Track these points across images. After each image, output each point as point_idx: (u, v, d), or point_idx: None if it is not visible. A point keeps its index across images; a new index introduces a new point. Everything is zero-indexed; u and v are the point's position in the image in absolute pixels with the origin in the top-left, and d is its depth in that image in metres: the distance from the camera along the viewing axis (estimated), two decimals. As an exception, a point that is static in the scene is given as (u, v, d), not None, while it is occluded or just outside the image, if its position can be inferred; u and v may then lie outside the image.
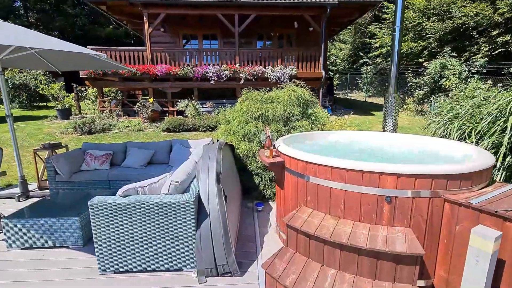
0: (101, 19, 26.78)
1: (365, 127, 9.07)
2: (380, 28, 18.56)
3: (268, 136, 2.72)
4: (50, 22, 25.09)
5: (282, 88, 4.68)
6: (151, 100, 9.27)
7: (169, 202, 2.31)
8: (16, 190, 4.20)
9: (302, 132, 3.94)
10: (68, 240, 2.80)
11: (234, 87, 10.60)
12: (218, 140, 3.43)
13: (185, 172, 2.71)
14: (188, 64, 10.15)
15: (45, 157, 4.50)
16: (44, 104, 14.14)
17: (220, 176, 2.63)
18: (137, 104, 9.37)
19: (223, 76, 9.94)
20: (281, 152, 2.72)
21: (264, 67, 10.22)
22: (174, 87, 10.30)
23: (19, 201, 4.09)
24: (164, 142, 4.69)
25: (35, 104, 13.62)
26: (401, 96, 15.03)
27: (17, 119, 10.73)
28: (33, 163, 4.45)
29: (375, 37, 18.50)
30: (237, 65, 10.15)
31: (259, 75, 10.07)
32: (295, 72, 10.13)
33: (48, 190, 4.26)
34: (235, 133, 4.23)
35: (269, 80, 10.06)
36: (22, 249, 2.77)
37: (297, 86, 4.60)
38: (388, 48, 17.47)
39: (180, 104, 10.00)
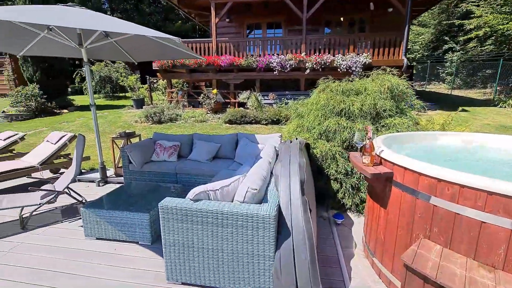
0: (172, 15, 28.77)
1: (462, 127, 7.42)
2: (478, 5, 15.22)
3: (369, 138, 2.09)
4: (130, 20, 27.97)
5: (361, 78, 3.89)
6: (215, 91, 9.30)
7: (245, 214, 1.91)
8: (97, 175, 4.47)
9: (398, 132, 3.14)
10: (138, 236, 2.69)
11: (298, 77, 9.93)
12: (296, 139, 2.92)
13: (261, 176, 2.28)
14: (251, 55, 9.86)
15: (121, 145, 4.69)
16: (123, 94, 15.80)
17: (304, 185, 2.12)
18: (202, 95, 9.52)
19: (287, 66, 9.35)
20: (385, 160, 2.06)
21: (333, 56, 9.24)
22: (236, 78, 10.17)
23: (98, 185, 4.34)
24: (229, 135, 4.41)
25: (116, 94, 15.31)
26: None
27: (102, 107, 12.14)
28: (111, 150, 4.68)
29: (471, 16, 15.26)
30: (303, 54, 9.42)
31: (327, 64, 9.15)
32: (369, 60, 8.90)
33: (122, 177, 4.43)
34: (310, 129, 3.66)
35: (338, 69, 9.07)
36: (97, 239, 2.77)
37: (387, 74, 3.75)
38: (488, 29, 14.22)
39: (242, 96, 9.83)
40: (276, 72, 9.48)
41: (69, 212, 3.40)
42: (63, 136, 4.67)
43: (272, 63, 9.37)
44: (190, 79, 10.74)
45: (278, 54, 9.66)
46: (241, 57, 9.81)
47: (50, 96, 10.65)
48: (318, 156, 3.37)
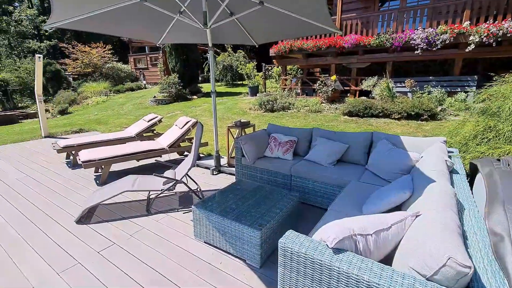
0: None
1: None
2: None
3: None
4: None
5: None
6: (334, 77, 8.14)
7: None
8: (212, 162, 4.46)
9: None
10: (246, 253, 2.21)
11: (451, 57, 7.37)
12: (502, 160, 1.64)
13: (454, 228, 1.24)
14: (384, 32, 7.99)
15: (235, 135, 4.49)
16: (241, 82, 16.84)
17: None
18: (318, 82, 8.58)
19: (437, 43, 7.02)
20: None
21: (523, 22, 6.20)
22: (361, 61, 8.59)
23: (212, 174, 4.30)
24: (360, 135, 3.37)
25: (235, 82, 16.49)
26: None
27: (222, 94, 13.22)
28: (226, 138, 4.57)
29: None
30: (465, 24, 6.80)
31: (508, 35, 6.24)
32: None
33: (234, 169, 4.23)
34: (518, 138, 2.16)
35: (531, 42, 6.03)
36: (205, 243, 2.49)
37: None
38: None
39: (366, 83, 8.23)
40: (418, 52, 7.31)
41: (186, 200, 3.38)
42: (188, 121, 4.90)
43: (415, 39, 7.25)
44: (306, 64, 9.95)
45: (424, 29, 7.39)
46: (370, 36, 8.13)
47: (185, 84, 12.38)
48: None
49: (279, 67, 12.21)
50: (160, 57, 17.63)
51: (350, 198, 2.32)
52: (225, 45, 15.78)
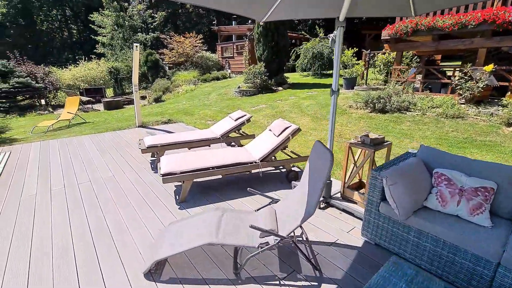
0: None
1: None
2: None
3: None
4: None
5: None
6: (490, 67, 5.57)
7: None
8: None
9: None
10: None
11: None
12: None
13: None
14: None
15: (359, 155, 3.02)
16: (330, 72, 14.82)
17: None
18: (457, 74, 6.12)
19: None
20: None
21: None
22: (540, 43, 5.66)
23: (318, 206, 3.03)
24: None
25: (323, 72, 14.61)
26: None
27: (310, 86, 11.66)
28: (344, 158, 3.18)
29: None
30: None
31: None
32: None
33: (353, 204, 2.83)
34: None
35: None
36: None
37: None
38: None
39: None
40: None
41: (290, 260, 2.21)
42: (286, 127, 3.71)
43: None
44: (434, 49, 7.41)
45: None
46: None
47: (271, 73, 11.36)
48: None
49: (386, 54, 9.82)
50: (246, 45, 17.16)
51: None
52: (317, 30, 13.97)
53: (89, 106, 12.64)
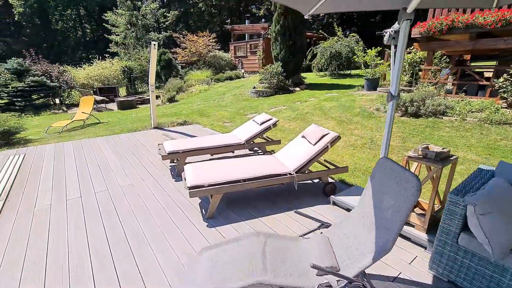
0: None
1: None
2: None
3: None
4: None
5: None
6: (542, 69, 5.02)
7: None
8: (355, 200, 2.77)
9: None
10: None
11: None
12: None
13: None
14: None
15: (415, 167, 2.60)
16: (348, 72, 14.30)
17: None
18: (503, 76, 5.57)
19: None
20: None
21: None
22: None
23: (368, 230, 2.63)
24: None
25: (340, 72, 14.10)
26: None
27: (330, 87, 11.21)
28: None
29: None
30: None
31: None
32: None
33: (412, 229, 2.42)
34: None
35: None
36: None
37: None
38: None
39: None
40: None
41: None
42: (324, 135, 3.32)
43: None
44: (472, 48, 6.85)
45: None
46: None
47: (288, 74, 10.95)
48: None
49: (412, 54, 9.28)
50: (260, 44, 16.78)
51: None
52: (335, 28, 13.47)
53: (103, 105, 12.53)
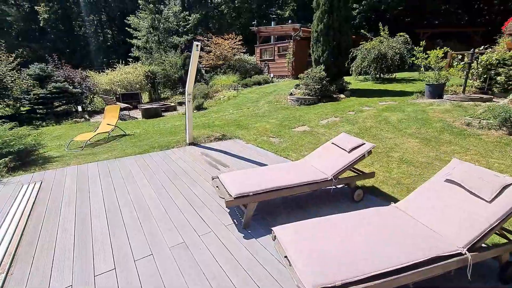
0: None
1: None
2: None
3: None
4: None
5: None
6: None
7: None
8: None
9: None
10: None
11: None
12: None
13: None
14: None
15: None
16: (393, 76, 12.81)
17: None
18: None
19: None
20: None
21: None
22: None
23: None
24: None
25: (383, 76, 12.64)
26: None
27: (377, 94, 9.83)
28: None
29: None
30: None
31: None
32: None
33: None
34: None
35: None
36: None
37: None
38: None
39: None
40: None
41: None
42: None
43: None
44: None
45: None
46: None
47: (331, 78, 9.67)
48: None
49: (488, 55, 7.79)
50: (290, 46, 15.59)
51: None
52: (380, 27, 12.05)
53: (126, 113, 11.71)
